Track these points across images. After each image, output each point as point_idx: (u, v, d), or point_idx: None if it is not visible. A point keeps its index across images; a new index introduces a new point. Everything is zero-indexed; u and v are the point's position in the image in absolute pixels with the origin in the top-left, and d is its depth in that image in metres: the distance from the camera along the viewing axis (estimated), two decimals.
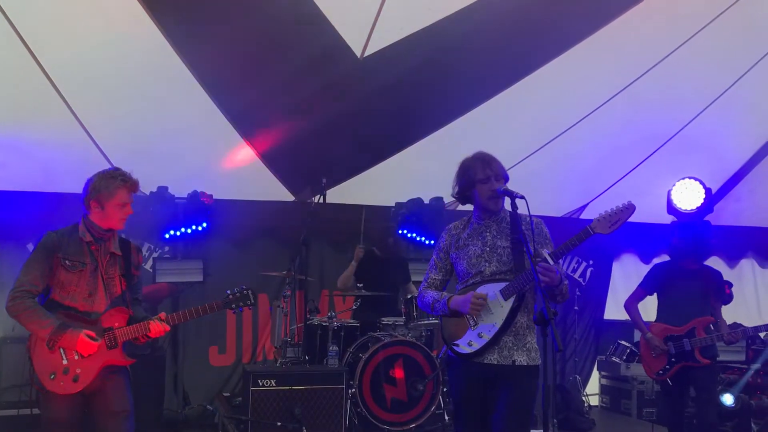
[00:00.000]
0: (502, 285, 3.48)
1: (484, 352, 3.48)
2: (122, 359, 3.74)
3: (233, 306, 4.01)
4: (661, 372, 5.25)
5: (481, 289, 3.52)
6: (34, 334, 3.61)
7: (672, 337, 5.22)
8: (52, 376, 3.57)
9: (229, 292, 4.02)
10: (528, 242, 3.40)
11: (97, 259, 3.74)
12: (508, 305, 3.47)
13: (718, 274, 5.55)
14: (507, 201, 3.52)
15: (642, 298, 5.58)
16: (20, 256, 5.62)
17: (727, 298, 5.82)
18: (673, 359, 5.20)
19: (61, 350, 3.58)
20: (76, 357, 3.60)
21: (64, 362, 3.58)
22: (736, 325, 6.98)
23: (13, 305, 3.60)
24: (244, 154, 6.74)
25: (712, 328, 5.32)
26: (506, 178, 3.59)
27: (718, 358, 5.35)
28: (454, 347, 3.57)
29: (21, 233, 6.32)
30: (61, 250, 3.67)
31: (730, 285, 6.96)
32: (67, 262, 3.66)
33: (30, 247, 6.13)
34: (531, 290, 3.50)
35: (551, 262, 3.35)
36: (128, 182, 3.78)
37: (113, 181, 3.74)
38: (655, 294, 5.58)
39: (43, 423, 3.66)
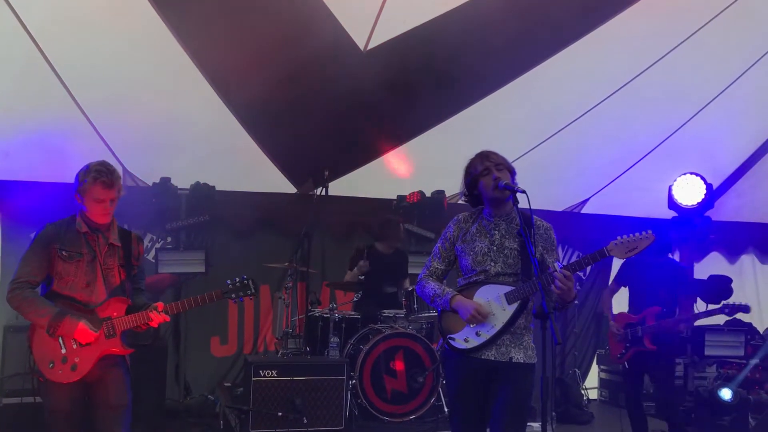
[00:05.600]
0: (507, 288, 3.45)
1: (482, 348, 3.47)
2: (121, 349, 3.72)
3: (233, 296, 3.93)
4: (619, 356, 5.75)
5: (484, 289, 3.49)
6: (34, 323, 3.64)
7: (629, 324, 5.68)
8: (51, 365, 3.58)
9: (229, 282, 3.94)
10: (531, 243, 3.32)
11: (94, 249, 3.72)
12: (511, 309, 3.44)
13: (684, 267, 6.00)
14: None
15: (616, 291, 6.03)
16: (24, 245, 5.64)
17: (723, 294, 6.26)
18: (627, 344, 5.65)
19: (60, 339, 3.59)
20: (75, 346, 3.60)
21: (63, 351, 3.59)
22: (735, 321, 7.04)
23: (13, 296, 3.63)
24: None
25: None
26: (512, 170, 3.56)
27: (674, 346, 5.78)
28: (450, 341, 3.54)
29: (26, 223, 6.33)
30: (57, 241, 3.67)
31: (730, 280, 7.03)
32: (63, 252, 3.66)
33: (32, 236, 6.15)
34: (534, 295, 3.45)
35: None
36: (100, 178, 3.61)
37: (88, 175, 3.65)
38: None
39: (45, 412, 3.67)
